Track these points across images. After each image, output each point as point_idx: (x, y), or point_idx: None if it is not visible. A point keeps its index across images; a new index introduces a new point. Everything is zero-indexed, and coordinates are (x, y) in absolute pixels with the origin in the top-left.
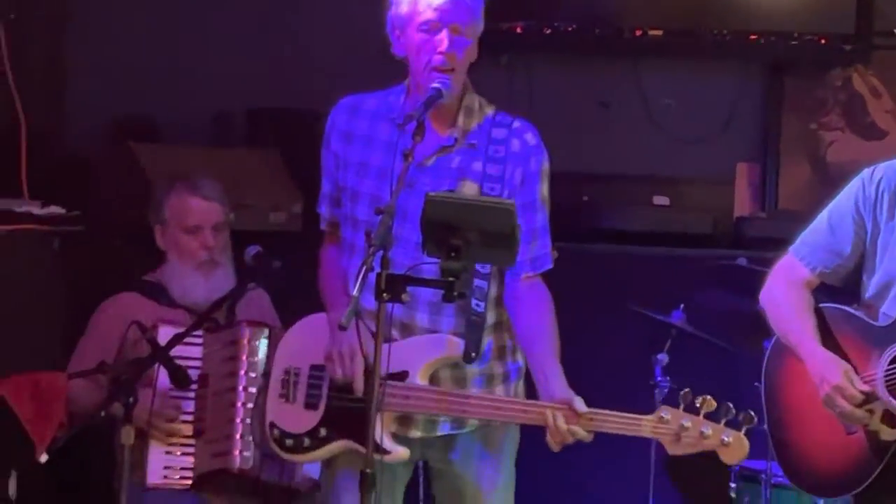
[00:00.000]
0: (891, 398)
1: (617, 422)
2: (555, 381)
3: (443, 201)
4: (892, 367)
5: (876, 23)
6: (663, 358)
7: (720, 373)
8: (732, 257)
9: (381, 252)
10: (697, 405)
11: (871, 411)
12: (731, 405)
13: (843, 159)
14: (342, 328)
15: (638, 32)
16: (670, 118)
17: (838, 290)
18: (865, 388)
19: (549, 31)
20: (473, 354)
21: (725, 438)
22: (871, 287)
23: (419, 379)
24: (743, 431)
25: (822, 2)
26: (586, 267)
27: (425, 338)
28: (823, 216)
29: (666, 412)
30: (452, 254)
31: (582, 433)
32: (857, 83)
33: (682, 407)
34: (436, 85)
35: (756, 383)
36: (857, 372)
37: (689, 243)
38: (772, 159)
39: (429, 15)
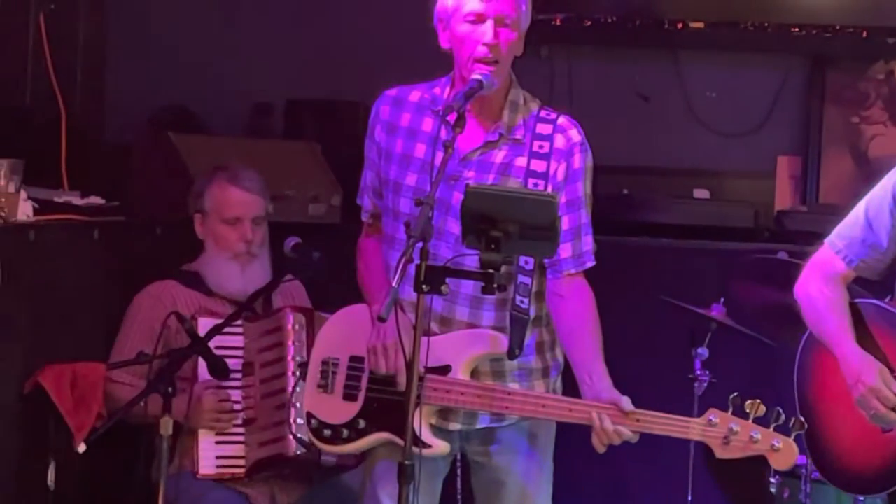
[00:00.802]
0: None
1: (664, 423)
2: (600, 380)
3: (483, 192)
4: None
5: None
6: (703, 352)
7: (760, 367)
8: (773, 251)
9: (420, 243)
10: (747, 410)
11: None
12: (780, 410)
13: (885, 153)
14: (381, 320)
15: (678, 24)
16: (711, 111)
17: (869, 281)
18: None
19: (588, 23)
20: (517, 351)
21: (776, 444)
22: None
23: (461, 374)
24: (792, 437)
25: None
26: (626, 260)
27: (469, 332)
28: (860, 210)
29: (714, 416)
30: (492, 245)
31: (628, 434)
32: None
33: (730, 410)
34: (476, 76)
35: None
36: (891, 370)
37: (730, 237)
38: (813, 153)
39: (474, 6)
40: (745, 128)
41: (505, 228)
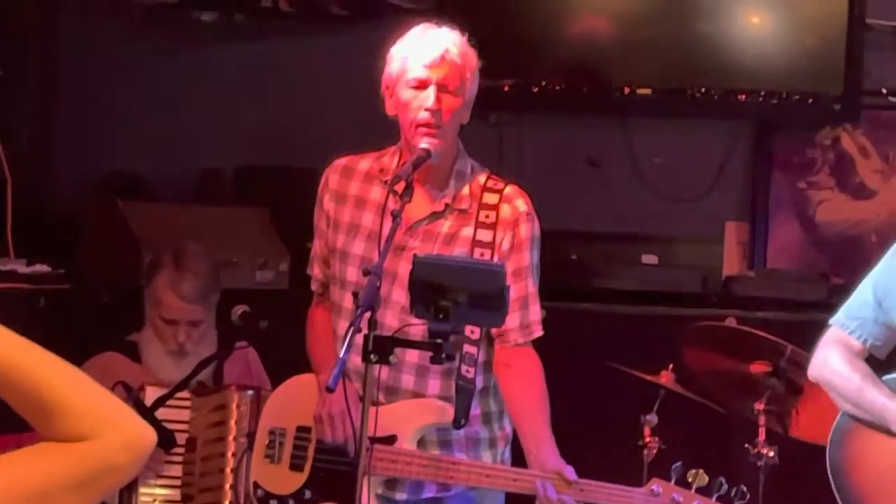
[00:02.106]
0: None
1: (608, 493)
2: (546, 449)
3: (431, 263)
4: None
5: (864, 82)
6: (652, 419)
7: (710, 434)
8: (721, 317)
9: (368, 313)
10: (689, 479)
11: None
12: (723, 480)
13: (832, 218)
14: (329, 390)
15: (626, 91)
16: (659, 176)
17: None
18: None
19: (537, 90)
20: (463, 421)
21: None
22: None
23: (407, 444)
24: None
25: (810, 61)
26: (575, 326)
27: (414, 402)
28: (867, 290)
29: (657, 486)
30: (441, 315)
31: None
32: (845, 142)
33: (673, 480)
34: (424, 146)
35: (746, 444)
36: None
37: (678, 302)
38: (761, 218)
39: (417, 72)
40: (693, 193)
41: (454, 298)
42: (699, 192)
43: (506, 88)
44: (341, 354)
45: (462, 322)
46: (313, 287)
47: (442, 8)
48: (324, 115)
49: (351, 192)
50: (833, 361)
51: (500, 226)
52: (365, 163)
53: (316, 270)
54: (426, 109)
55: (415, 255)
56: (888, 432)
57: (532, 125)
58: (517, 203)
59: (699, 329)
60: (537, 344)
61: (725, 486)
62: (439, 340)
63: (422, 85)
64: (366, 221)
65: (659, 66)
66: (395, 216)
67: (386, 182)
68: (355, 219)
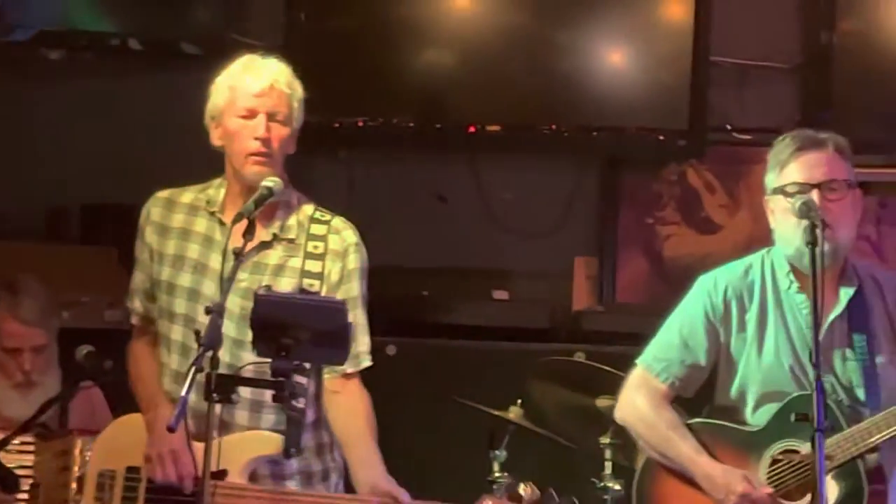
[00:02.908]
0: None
1: None
2: (375, 472)
3: (273, 300)
4: (772, 468)
5: (709, 118)
6: (501, 454)
7: (559, 468)
8: (570, 351)
9: (210, 352)
10: (521, 492)
11: None
12: (552, 491)
13: (679, 253)
14: (171, 430)
15: (475, 128)
16: (508, 212)
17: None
18: (769, 489)
19: (388, 127)
20: (293, 451)
21: None
22: (728, 394)
23: (238, 477)
24: None
25: (656, 98)
26: (425, 362)
27: (243, 435)
28: (673, 330)
29: (488, 500)
30: (283, 353)
31: None
32: (691, 178)
33: (505, 495)
34: (267, 183)
35: (593, 478)
36: None
37: (528, 338)
38: (609, 253)
39: (246, 101)
40: (542, 229)
41: (296, 335)
42: (548, 228)
43: (357, 125)
44: (183, 393)
45: (304, 359)
46: (133, 321)
47: (289, 45)
48: (172, 151)
49: (174, 224)
50: (639, 405)
51: (329, 256)
52: (188, 195)
53: (136, 303)
54: (256, 138)
55: (256, 294)
56: (692, 482)
57: (382, 162)
58: (346, 234)
59: (547, 364)
60: (389, 378)
61: (556, 498)
62: (282, 378)
63: (251, 114)
64: (192, 253)
65: (509, 103)
66: (238, 255)
67: (213, 213)
68: (180, 250)
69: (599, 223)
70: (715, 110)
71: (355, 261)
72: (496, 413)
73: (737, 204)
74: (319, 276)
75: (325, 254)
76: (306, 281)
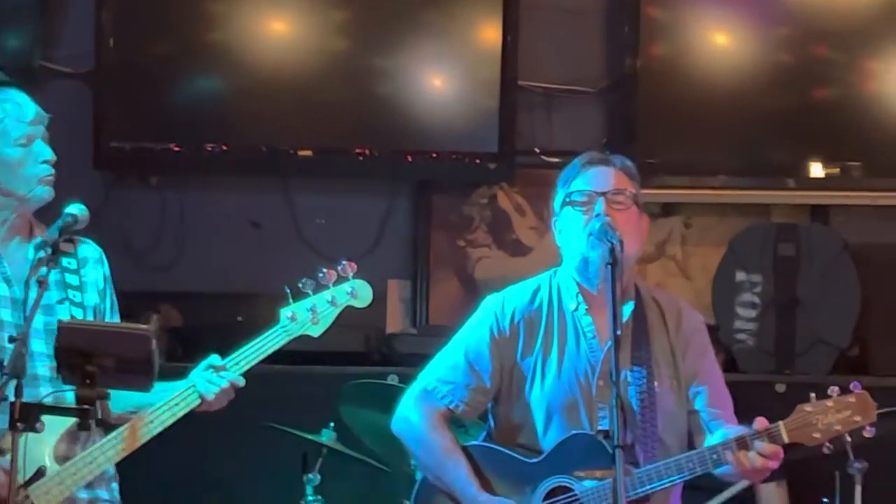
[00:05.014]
0: None
1: None
2: None
3: (76, 328)
4: (546, 502)
5: (518, 142)
6: (315, 478)
7: (372, 491)
8: (384, 374)
9: (14, 381)
10: None
11: None
12: None
13: (490, 275)
14: None
15: (288, 153)
16: (321, 236)
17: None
18: None
19: (200, 152)
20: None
21: None
22: (513, 415)
23: (49, 461)
24: None
25: (468, 122)
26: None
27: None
28: (458, 353)
29: None
30: (87, 381)
31: None
32: (502, 201)
33: None
34: (73, 212)
35: (405, 500)
36: None
37: (342, 361)
38: (422, 276)
39: (24, 130)
40: (354, 252)
41: (100, 363)
42: (361, 251)
43: (170, 151)
44: None
45: (109, 386)
46: None
47: (99, 72)
48: None
49: None
50: (416, 425)
51: (85, 267)
52: None
53: None
54: (45, 162)
55: (59, 321)
56: None
57: (194, 187)
58: (90, 246)
59: (360, 387)
60: None
61: None
62: (87, 406)
63: (30, 141)
64: None
65: (323, 127)
66: (41, 283)
67: None
68: None
69: (412, 246)
70: (524, 134)
71: (109, 270)
72: (309, 437)
73: (546, 226)
74: (80, 287)
75: (79, 267)
76: (71, 292)
